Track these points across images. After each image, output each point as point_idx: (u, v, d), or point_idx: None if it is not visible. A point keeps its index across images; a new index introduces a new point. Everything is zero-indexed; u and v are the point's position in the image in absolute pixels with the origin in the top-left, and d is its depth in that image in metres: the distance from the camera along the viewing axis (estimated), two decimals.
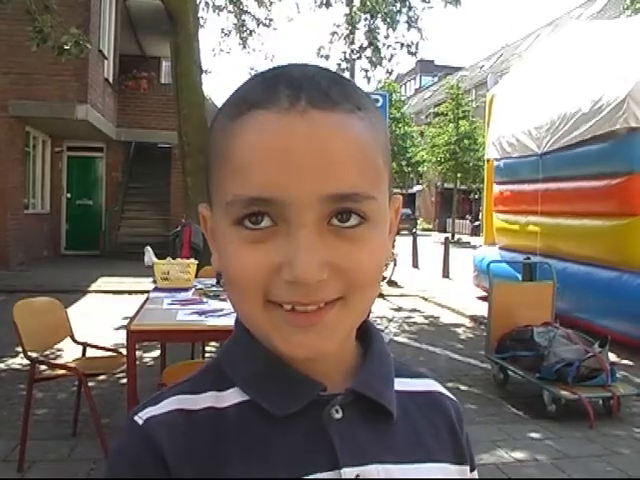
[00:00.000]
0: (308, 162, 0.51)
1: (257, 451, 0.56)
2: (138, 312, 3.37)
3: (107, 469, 0.58)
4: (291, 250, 0.52)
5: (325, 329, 0.54)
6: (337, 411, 0.58)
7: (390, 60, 10.31)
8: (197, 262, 4.42)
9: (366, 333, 0.65)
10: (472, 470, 0.68)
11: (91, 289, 10.36)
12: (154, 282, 4.53)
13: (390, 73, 10.75)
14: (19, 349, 5.72)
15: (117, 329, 6.89)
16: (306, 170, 0.51)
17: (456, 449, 0.66)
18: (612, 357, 5.24)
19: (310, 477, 0.56)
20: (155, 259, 4.38)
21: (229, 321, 3.16)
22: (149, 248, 4.61)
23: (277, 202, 0.52)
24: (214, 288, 4.03)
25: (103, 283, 10.84)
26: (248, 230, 0.53)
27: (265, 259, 0.53)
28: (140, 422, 0.57)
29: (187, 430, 0.57)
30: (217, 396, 0.59)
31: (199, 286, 4.14)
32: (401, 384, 0.66)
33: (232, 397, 0.59)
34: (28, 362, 3.60)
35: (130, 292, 9.72)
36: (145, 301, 3.73)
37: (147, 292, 4.34)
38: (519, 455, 3.81)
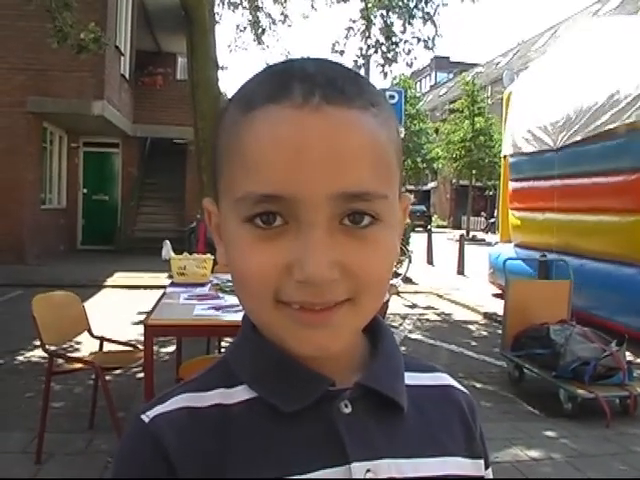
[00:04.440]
0: (321, 159, 0.50)
1: (265, 447, 0.56)
2: (155, 307, 3.39)
3: (113, 466, 0.59)
4: (302, 249, 0.51)
5: (333, 328, 0.54)
6: (346, 405, 0.58)
7: (409, 54, 10.28)
8: (213, 257, 4.43)
9: (375, 329, 0.64)
10: (487, 467, 0.67)
11: (107, 284, 10.44)
12: (170, 277, 4.55)
13: (410, 65, 10.70)
14: (36, 342, 5.78)
15: (132, 324, 6.94)
16: (318, 167, 0.50)
17: (470, 443, 0.65)
18: (629, 356, 5.19)
19: (319, 472, 0.55)
20: (172, 253, 4.40)
21: None
22: (168, 242, 4.64)
23: (288, 199, 0.51)
24: (230, 283, 4.04)
25: (118, 278, 10.91)
26: (259, 228, 0.53)
27: (275, 258, 0.52)
28: (146, 420, 0.58)
29: (193, 428, 0.57)
30: (225, 393, 0.59)
31: (215, 281, 4.15)
32: (412, 378, 0.65)
33: (240, 394, 0.59)
34: (45, 355, 3.63)
35: (145, 287, 9.78)
36: (162, 296, 3.74)
37: (163, 287, 4.35)
38: (535, 453, 3.78)
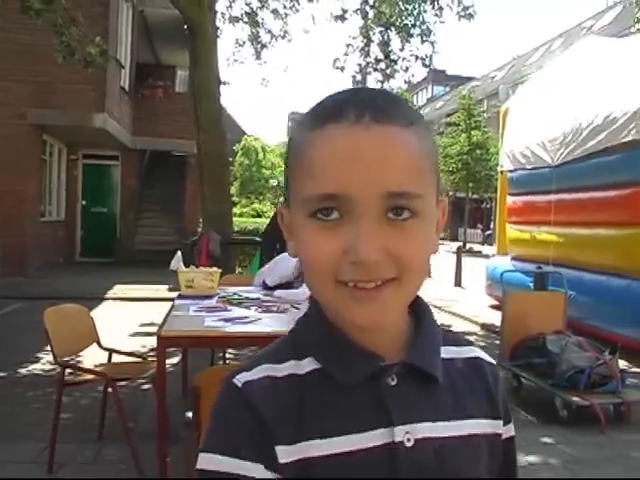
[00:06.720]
0: (370, 166, 0.64)
1: (329, 410, 0.69)
2: (166, 319, 3.45)
3: (209, 424, 0.71)
4: (354, 237, 0.64)
5: (382, 304, 0.66)
6: (392, 379, 0.71)
7: (406, 71, 10.44)
8: (219, 271, 4.48)
9: (418, 308, 0.77)
10: (508, 422, 0.81)
11: (107, 296, 10.46)
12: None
13: (408, 83, 10.89)
14: (40, 354, 5.85)
15: (134, 336, 6.96)
16: (368, 172, 0.64)
17: (490, 407, 0.79)
18: (622, 364, 5.29)
19: (370, 432, 0.68)
20: (182, 266, 4.47)
21: (255, 328, 3.28)
22: (179, 253, 4.72)
23: (345, 197, 0.64)
24: (236, 296, 4.13)
25: (119, 290, 10.95)
26: (320, 221, 0.66)
27: (334, 244, 0.65)
28: (239, 385, 0.70)
29: (275, 393, 0.70)
30: (297, 364, 0.72)
31: (222, 294, 4.22)
32: (447, 352, 0.78)
33: (308, 365, 0.72)
34: (49, 367, 3.66)
35: (147, 299, 9.81)
36: (171, 308, 3.80)
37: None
38: (532, 459, 3.90)
